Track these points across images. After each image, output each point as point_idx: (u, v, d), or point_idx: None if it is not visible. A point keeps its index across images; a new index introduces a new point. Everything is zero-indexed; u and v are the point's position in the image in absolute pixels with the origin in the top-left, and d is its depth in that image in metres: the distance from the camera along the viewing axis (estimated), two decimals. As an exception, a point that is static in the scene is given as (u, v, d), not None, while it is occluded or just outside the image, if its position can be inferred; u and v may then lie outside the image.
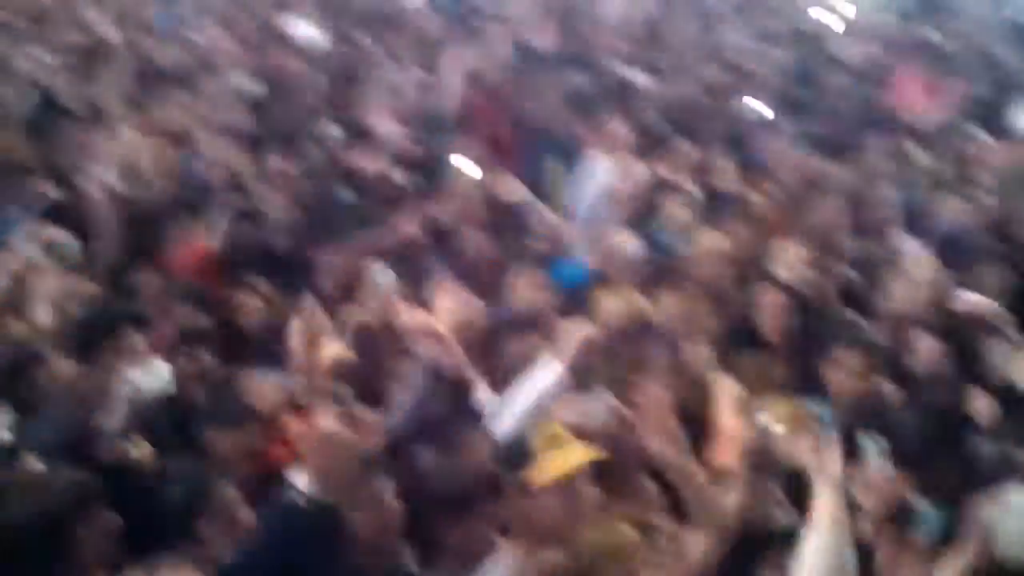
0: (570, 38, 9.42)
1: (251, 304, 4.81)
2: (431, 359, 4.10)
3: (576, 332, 3.85)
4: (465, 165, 5.78)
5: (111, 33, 8.91)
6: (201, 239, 5.25)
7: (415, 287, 4.80)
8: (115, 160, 5.89)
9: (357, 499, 3.04)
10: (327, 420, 2.98)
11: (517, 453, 3.22)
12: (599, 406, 3.55)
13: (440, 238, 5.44)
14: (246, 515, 3.23)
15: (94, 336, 3.88)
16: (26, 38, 8.61)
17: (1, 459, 3.35)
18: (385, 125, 6.67)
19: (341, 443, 2.96)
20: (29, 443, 3.49)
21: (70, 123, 6.72)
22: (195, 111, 6.61)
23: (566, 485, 3.07)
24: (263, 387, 3.98)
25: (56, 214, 5.25)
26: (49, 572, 2.91)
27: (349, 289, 4.72)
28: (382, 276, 4.40)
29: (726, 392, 3.28)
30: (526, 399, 3.69)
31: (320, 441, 2.94)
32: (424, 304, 4.66)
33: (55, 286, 4.50)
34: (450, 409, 3.79)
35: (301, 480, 2.96)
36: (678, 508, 3.20)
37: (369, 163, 6.20)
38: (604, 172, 6.35)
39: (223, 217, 5.19)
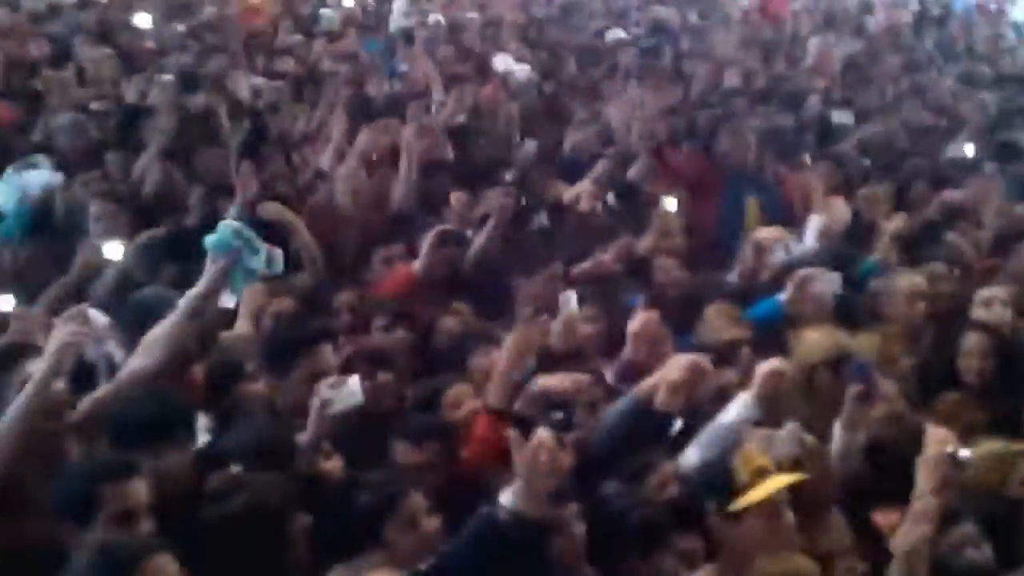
0: (771, 76, 9.36)
1: (448, 325, 4.91)
2: (620, 387, 4.12)
3: (768, 365, 3.82)
4: (666, 198, 5.82)
5: (324, 61, 9.37)
6: (406, 261, 5.40)
7: (609, 315, 4.84)
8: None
9: (555, 519, 3.08)
10: (541, 439, 3.03)
11: (715, 481, 3.25)
12: (790, 439, 3.52)
13: (637, 268, 5.46)
14: (436, 523, 3.30)
15: (289, 350, 4.01)
16: (242, 64, 9.13)
17: (205, 462, 3.53)
18: (583, 155, 6.75)
19: (551, 463, 3.00)
20: (227, 449, 3.68)
21: (280, 148, 7.05)
22: (402, 139, 6.82)
23: (769, 510, 3.11)
24: (456, 402, 4.07)
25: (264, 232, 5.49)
26: (258, 566, 3.06)
27: (543, 314, 4.76)
28: (571, 303, 4.43)
29: (934, 435, 3.19)
30: (718, 430, 3.68)
31: (532, 459, 2.99)
32: (613, 333, 4.72)
33: (259, 299, 4.70)
34: (642, 437, 3.79)
35: (505, 495, 3.02)
36: (862, 543, 3.13)
37: (567, 192, 6.29)
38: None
39: (430, 241, 5.31)
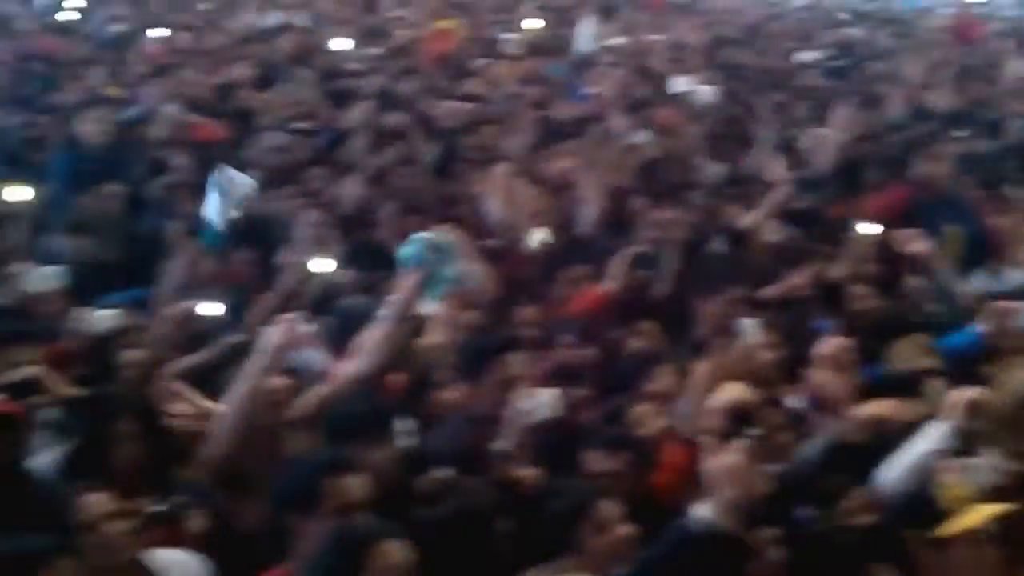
0: (967, 98, 9.07)
1: (635, 344, 4.98)
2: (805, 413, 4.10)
3: (966, 395, 3.75)
4: (860, 223, 5.72)
5: (511, 85, 9.54)
6: (591, 282, 5.48)
7: (794, 341, 4.81)
8: (502, 205, 6.30)
9: (753, 540, 3.12)
10: (739, 455, 3.06)
11: (916, 509, 3.24)
12: (991, 468, 3.46)
13: (826, 294, 5.40)
14: (629, 530, 3.36)
15: (481, 359, 4.15)
16: (436, 89, 9.40)
17: (411, 465, 3.68)
18: (769, 179, 6.69)
19: (750, 479, 3.03)
20: (429, 452, 3.85)
21: (469, 169, 7.23)
22: (585, 162, 6.89)
23: (975, 540, 3.08)
24: (645, 416, 4.11)
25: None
26: (463, 568, 3.20)
27: (723, 337, 4.76)
28: (750, 328, 4.41)
29: None
30: (912, 458, 3.63)
31: (731, 474, 3.02)
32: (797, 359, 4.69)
33: (450, 310, 4.83)
34: (832, 464, 3.77)
35: (701, 508, 3.05)
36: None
37: (751, 215, 6.26)
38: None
39: (620, 263, 5.37)
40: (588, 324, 4.99)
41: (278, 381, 3.81)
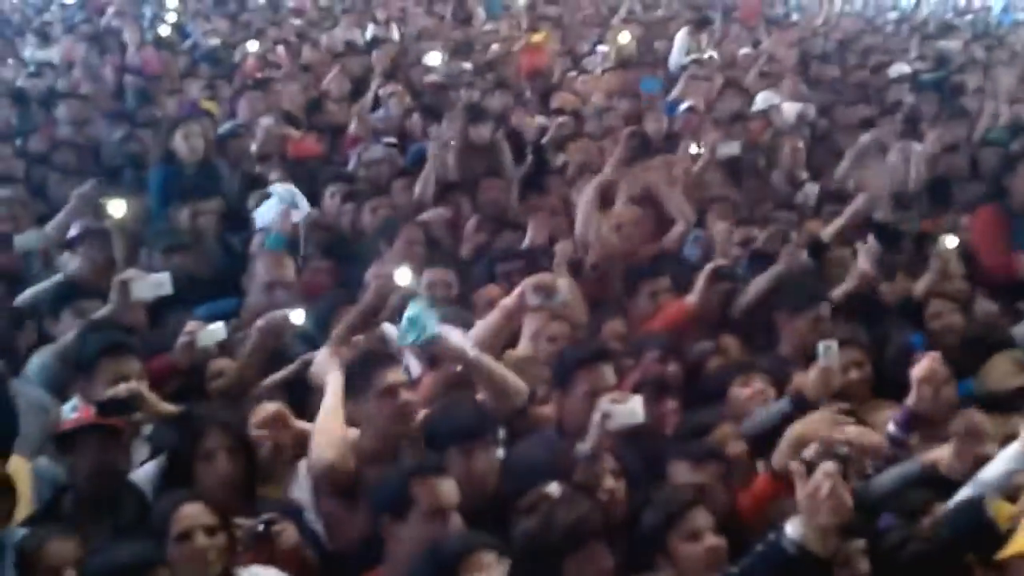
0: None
1: (716, 360, 5.00)
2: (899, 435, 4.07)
3: None
4: (945, 236, 5.63)
5: (597, 98, 9.57)
6: (673, 295, 5.47)
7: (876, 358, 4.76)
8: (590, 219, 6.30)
9: (840, 554, 3.12)
10: (828, 481, 3.06)
11: (981, 527, 3.22)
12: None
13: (911, 311, 5.34)
14: (720, 541, 3.37)
15: (571, 368, 4.15)
16: (524, 99, 9.48)
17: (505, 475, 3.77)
18: (858, 194, 6.62)
19: (840, 501, 3.03)
20: (515, 461, 3.92)
21: (558, 181, 7.27)
22: (672, 175, 6.89)
23: None
24: (728, 437, 4.11)
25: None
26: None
27: (805, 356, 4.73)
28: (831, 351, 4.35)
29: None
30: (994, 475, 3.57)
31: (822, 500, 3.03)
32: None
33: (538, 322, 4.85)
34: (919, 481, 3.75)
35: (792, 526, 3.06)
36: None
37: (831, 228, 6.18)
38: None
39: (705, 277, 5.38)
40: (672, 338, 4.98)
41: (407, 393, 3.91)
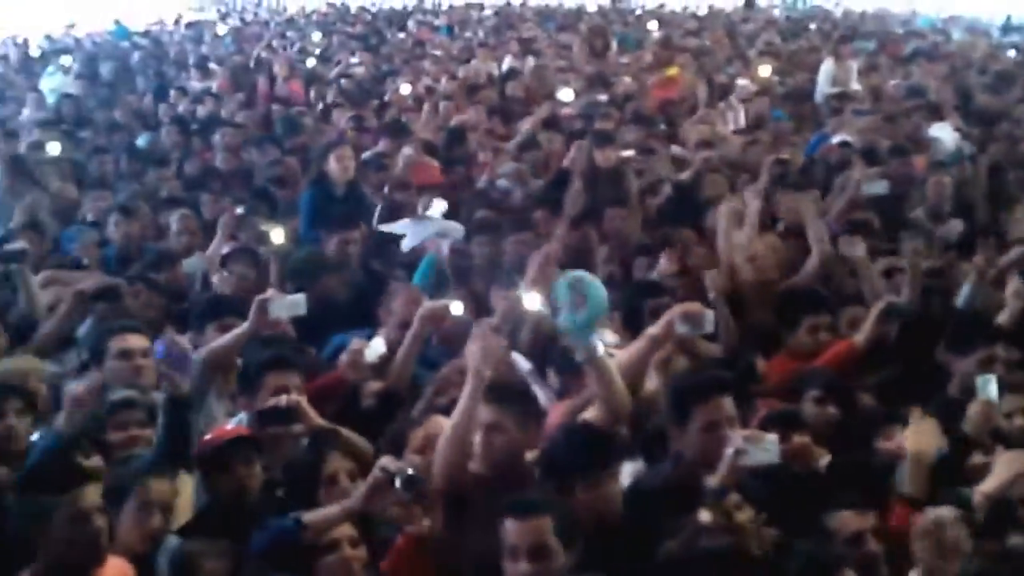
0: None
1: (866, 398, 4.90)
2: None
3: None
4: None
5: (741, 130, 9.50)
6: (831, 331, 5.36)
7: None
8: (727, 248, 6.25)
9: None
10: (940, 519, 3.00)
11: None
12: None
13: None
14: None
15: (687, 399, 4.06)
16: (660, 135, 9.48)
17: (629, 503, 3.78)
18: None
19: (951, 543, 2.97)
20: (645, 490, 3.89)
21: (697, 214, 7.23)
22: (816, 208, 6.77)
23: None
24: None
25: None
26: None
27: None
28: (989, 387, 4.24)
29: None
30: None
31: (932, 539, 2.98)
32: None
33: (664, 354, 4.75)
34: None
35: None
36: None
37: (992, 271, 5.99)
38: None
39: (877, 314, 5.22)
40: (834, 377, 4.79)
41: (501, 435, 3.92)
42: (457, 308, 4.77)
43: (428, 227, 6.48)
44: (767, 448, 3.71)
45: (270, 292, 4.76)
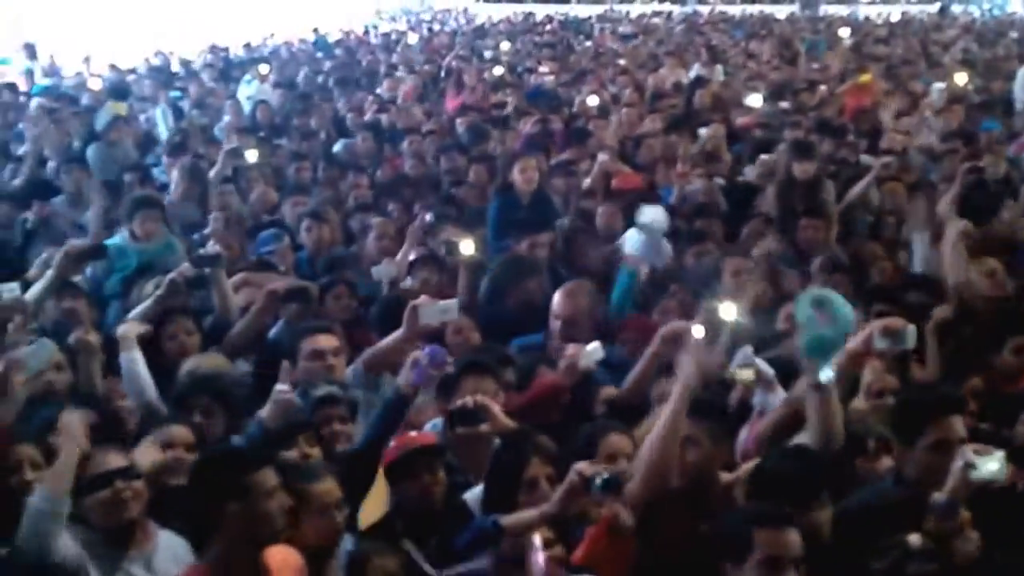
0: None
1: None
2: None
3: None
4: None
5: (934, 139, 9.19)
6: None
7: None
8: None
9: None
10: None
11: None
12: None
13: None
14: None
15: (919, 418, 3.92)
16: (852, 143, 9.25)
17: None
18: None
19: None
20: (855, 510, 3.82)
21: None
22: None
23: None
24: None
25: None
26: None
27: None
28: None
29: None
30: None
31: None
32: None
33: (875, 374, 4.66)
34: None
35: None
36: None
37: None
38: None
39: None
40: None
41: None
42: (699, 332, 4.55)
43: (648, 240, 6.43)
44: (998, 465, 3.60)
45: (422, 299, 4.83)
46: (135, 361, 4.81)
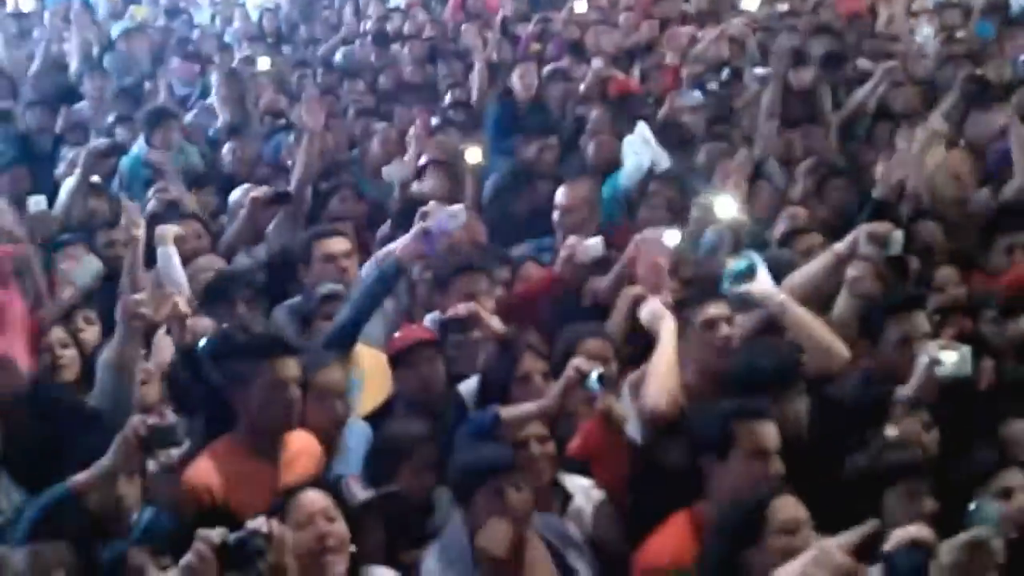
0: None
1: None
2: None
3: None
4: None
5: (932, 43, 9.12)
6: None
7: None
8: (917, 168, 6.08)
9: None
10: None
11: None
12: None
13: None
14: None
15: (882, 314, 4.09)
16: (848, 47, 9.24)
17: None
18: None
19: None
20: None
21: (884, 128, 7.07)
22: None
23: None
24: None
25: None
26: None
27: None
28: None
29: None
30: None
31: None
32: None
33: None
34: None
35: None
36: None
37: None
38: None
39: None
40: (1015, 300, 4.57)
41: (726, 327, 4.05)
42: (671, 239, 4.70)
43: (645, 150, 6.46)
44: (963, 359, 3.68)
45: (431, 204, 4.94)
46: (170, 256, 5.14)
